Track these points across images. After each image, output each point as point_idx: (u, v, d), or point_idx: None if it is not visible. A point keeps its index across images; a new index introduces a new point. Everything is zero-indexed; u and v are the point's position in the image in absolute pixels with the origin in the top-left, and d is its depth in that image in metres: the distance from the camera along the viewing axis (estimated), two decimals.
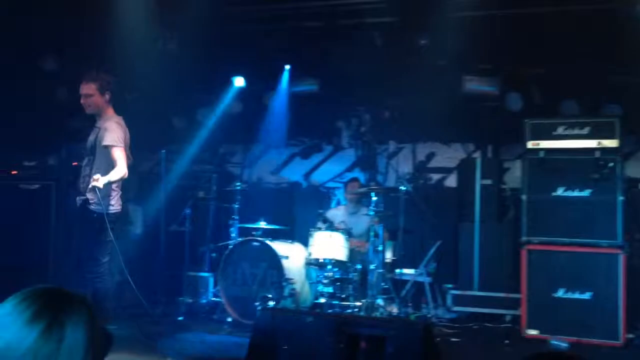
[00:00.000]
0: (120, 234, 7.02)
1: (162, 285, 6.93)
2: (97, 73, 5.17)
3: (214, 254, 7.39)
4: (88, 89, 5.11)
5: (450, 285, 7.10)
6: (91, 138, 5.15)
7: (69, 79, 7.59)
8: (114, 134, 5.05)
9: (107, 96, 5.15)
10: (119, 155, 5.01)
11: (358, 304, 6.22)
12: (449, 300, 7.00)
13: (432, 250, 7.29)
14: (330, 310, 6.10)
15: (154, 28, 6.85)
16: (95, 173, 4.93)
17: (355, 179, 7.59)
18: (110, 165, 5.01)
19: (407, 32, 6.72)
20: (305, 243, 6.66)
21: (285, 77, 7.86)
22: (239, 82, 7.91)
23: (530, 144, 6.34)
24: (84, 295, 1.49)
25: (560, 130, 6.28)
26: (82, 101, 5.15)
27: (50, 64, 7.27)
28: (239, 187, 7.12)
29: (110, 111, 5.23)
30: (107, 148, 5.01)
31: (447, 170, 8.20)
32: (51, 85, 7.57)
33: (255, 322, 4.03)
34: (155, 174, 7.55)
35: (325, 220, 6.84)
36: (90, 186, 4.78)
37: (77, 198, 5.15)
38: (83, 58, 7.00)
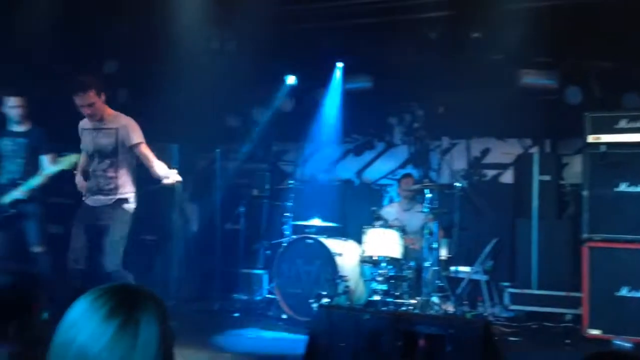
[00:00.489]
0: (178, 232, 7.16)
1: (219, 282, 7.03)
2: (88, 79, 4.96)
3: (268, 252, 7.45)
4: (88, 98, 4.87)
5: (507, 284, 6.95)
6: (105, 141, 5.00)
7: (127, 80, 7.81)
8: (137, 131, 5.03)
9: (104, 97, 5.00)
10: (149, 150, 5.02)
11: (413, 301, 6.17)
12: (506, 299, 6.86)
13: (489, 248, 7.17)
14: (384, 308, 6.07)
15: (209, 28, 6.95)
16: (121, 175, 5.01)
17: (408, 175, 7.52)
18: (132, 164, 5.07)
19: (462, 26, 6.61)
20: (358, 240, 6.64)
21: (337, 74, 7.86)
22: (291, 80, 7.95)
23: (590, 138, 6.13)
24: (153, 292, 1.52)
25: (622, 124, 6.05)
26: (86, 112, 4.95)
27: (109, 67, 7.46)
28: (292, 185, 7.16)
29: (110, 110, 5.10)
30: (136, 146, 4.99)
31: (503, 166, 8.03)
32: (110, 87, 7.76)
33: (313, 320, 4.05)
34: (210, 172, 7.67)
35: (379, 218, 6.81)
36: (174, 182, 4.79)
37: (102, 198, 5.05)
38: (140, 59, 7.18)
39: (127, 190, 5.07)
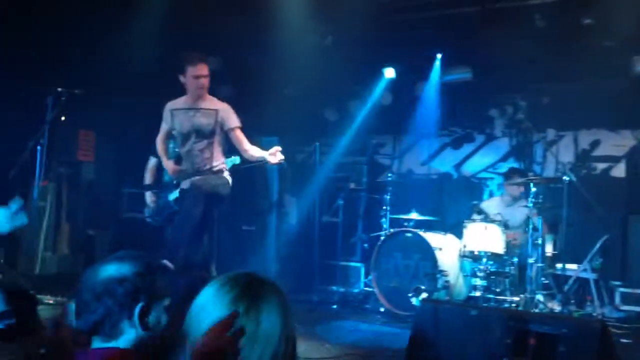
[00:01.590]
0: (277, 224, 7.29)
1: (317, 274, 7.11)
2: (203, 54, 5.04)
3: (365, 245, 7.45)
4: (205, 69, 4.99)
5: (618, 283, 6.58)
6: (204, 121, 5.02)
7: (230, 77, 8.02)
8: (234, 115, 5.09)
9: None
10: (243, 135, 5.06)
11: (515, 299, 5.99)
12: (617, 299, 6.50)
13: (598, 245, 6.80)
14: (485, 305, 5.93)
15: (308, 23, 7.01)
16: (215, 156, 5.03)
17: (515, 171, 7.18)
18: (224, 148, 5.11)
19: (573, 12, 6.29)
20: (456, 234, 6.51)
21: (436, 66, 7.71)
22: (389, 73, 7.88)
23: None
24: (276, 284, 1.55)
25: None
26: (202, 83, 4.98)
27: (212, 63, 7.66)
28: (390, 178, 7.11)
29: (207, 94, 5.14)
30: (234, 129, 5.03)
31: (615, 159, 7.58)
32: (214, 83, 7.98)
33: (417, 314, 4.00)
34: (308, 166, 7.76)
35: (480, 212, 6.64)
36: (279, 161, 4.83)
37: (201, 179, 5.01)
38: (242, 55, 7.35)
39: (221, 167, 5.12)
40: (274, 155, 4.86)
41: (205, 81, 5.02)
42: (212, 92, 5.22)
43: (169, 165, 5.27)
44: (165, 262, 4.31)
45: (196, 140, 5.09)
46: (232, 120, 5.08)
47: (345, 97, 8.34)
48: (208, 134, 5.07)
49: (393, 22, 7.24)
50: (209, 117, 5.07)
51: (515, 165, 7.89)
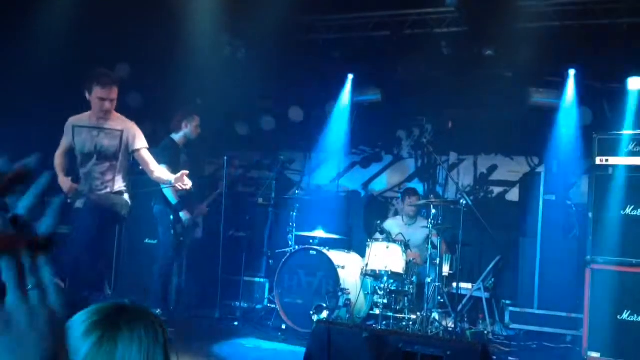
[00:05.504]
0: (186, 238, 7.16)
1: (220, 289, 7.03)
2: (115, 75, 4.84)
3: (270, 261, 7.45)
4: (113, 93, 4.73)
5: (508, 302, 6.93)
6: (107, 142, 4.81)
7: (138, 84, 7.85)
8: (142, 136, 4.92)
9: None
10: (150, 156, 4.93)
11: (413, 316, 6.18)
12: (507, 317, 6.84)
13: (491, 265, 7.15)
14: (384, 322, 6.08)
15: (221, 35, 6.98)
16: (117, 179, 4.85)
17: (413, 191, 7.49)
18: (129, 168, 4.97)
19: (474, 42, 6.62)
20: (362, 252, 6.64)
21: (347, 86, 7.87)
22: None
23: (598, 160, 6.10)
24: (149, 312, 1.51)
25: (631, 146, 6.02)
26: (105, 107, 4.72)
27: (121, 70, 7.48)
28: (297, 195, 7.16)
29: (114, 112, 4.92)
30: (138, 151, 4.86)
31: (510, 184, 8.02)
32: (122, 91, 7.77)
33: (311, 334, 4.04)
34: (216, 179, 7.68)
35: (382, 231, 6.81)
36: (189, 188, 4.75)
37: (97, 197, 4.83)
38: (152, 63, 7.21)
39: (122, 189, 4.93)
40: (181, 180, 4.74)
41: (110, 105, 4.77)
42: (120, 100, 5.00)
43: (65, 182, 4.87)
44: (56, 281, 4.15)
45: (97, 162, 4.85)
46: (138, 141, 4.88)
47: (257, 112, 8.34)
48: (111, 156, 4.86)
49: (308, 40, 7.34)
50: (113, 138, 4.85)
51: (420, 185, 8.17)
